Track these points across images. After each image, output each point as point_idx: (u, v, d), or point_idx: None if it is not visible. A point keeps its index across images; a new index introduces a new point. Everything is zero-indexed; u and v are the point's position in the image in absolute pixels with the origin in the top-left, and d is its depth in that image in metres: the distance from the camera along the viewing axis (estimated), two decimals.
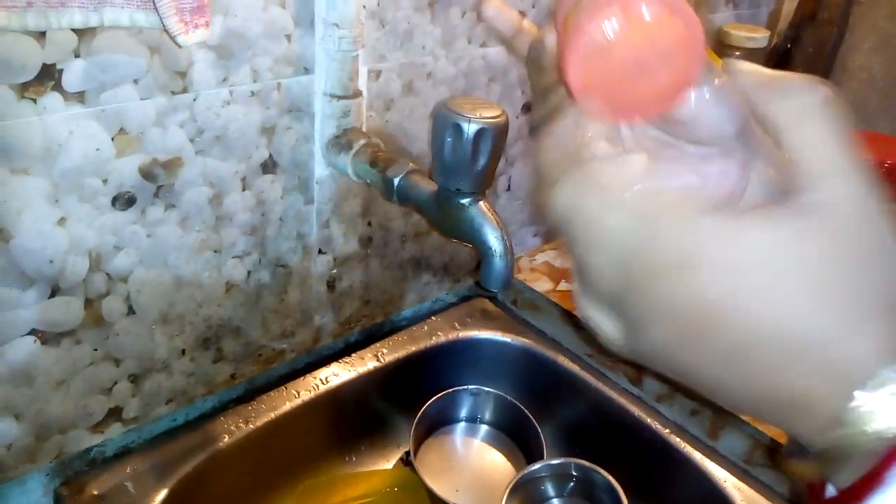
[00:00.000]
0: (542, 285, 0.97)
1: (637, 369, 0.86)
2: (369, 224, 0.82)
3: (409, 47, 0.74)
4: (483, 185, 0.61)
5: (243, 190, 0.69)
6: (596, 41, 0.29)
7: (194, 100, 0.61)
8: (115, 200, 0.60)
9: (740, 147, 0.30)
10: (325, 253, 0.79)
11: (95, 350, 0.65)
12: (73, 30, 0.52)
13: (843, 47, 1.13)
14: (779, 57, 1.13)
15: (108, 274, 0.63)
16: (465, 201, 0.61)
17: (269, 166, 0.70)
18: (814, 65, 1.12)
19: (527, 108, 0.91)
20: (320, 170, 0.74)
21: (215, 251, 0.70)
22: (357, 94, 0.71)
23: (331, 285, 0.82)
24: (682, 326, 0.25)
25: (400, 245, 0.87)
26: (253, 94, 0.65)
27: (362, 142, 0.70)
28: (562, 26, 0.31)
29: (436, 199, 0.63)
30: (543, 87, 0.35)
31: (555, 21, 0.33)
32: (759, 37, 1.03)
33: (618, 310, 0.27)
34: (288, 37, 0.65)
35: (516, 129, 0.91)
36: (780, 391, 0.25)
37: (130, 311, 0.66)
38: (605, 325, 0.28)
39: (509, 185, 0.95)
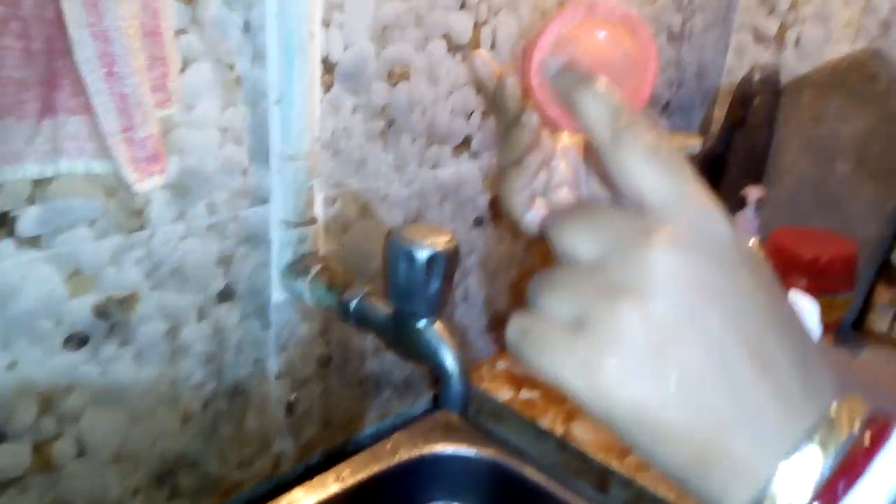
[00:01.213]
0: (504, 393, 0.97)
1: (603, 479, 0.85)
2: (328, 344, 0.82)
3: (363, 173, 0.77)
4: (437, 307, 0.62)
5: (200, 320, 0.69)
6: (554, 53, 0.32)
7: (151, 237, 0.62)
8: (67, 341, 0.60)
9: None
10: (283, 377, 0.79)
11: (43, 497, 0.62)
12: None
13: (773, 149, 1.21)
14: (712, 161, 1.20)
15: (58, 416, 0.61)
16: (420, 324, 0.62)
17: (226, 295, 0.70)
18: (747, 167, 1.18)
19: (478, 221, 0.94)
20: (277, 295, 0.74)
21: (171, 384, 0.69)
22: (313, 220, 0.73)
23: (290, 409, 0.81)
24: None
25: (360, 362, 0.87)
26: (210, 227, 0.67)
27: (318, 267, 0.71)
28: (522, 53, 0.33)
29: (392, 321, 0.64)
30: (507, 124, 0.37)
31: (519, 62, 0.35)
32: (692, 144, 1.10)
33: None
34: (244, 171, 0.68)
35: (470, 242, 0.94)
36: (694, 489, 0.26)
37: (81, 452, 0.64)
38: None
39: (466, 295, 0.97)
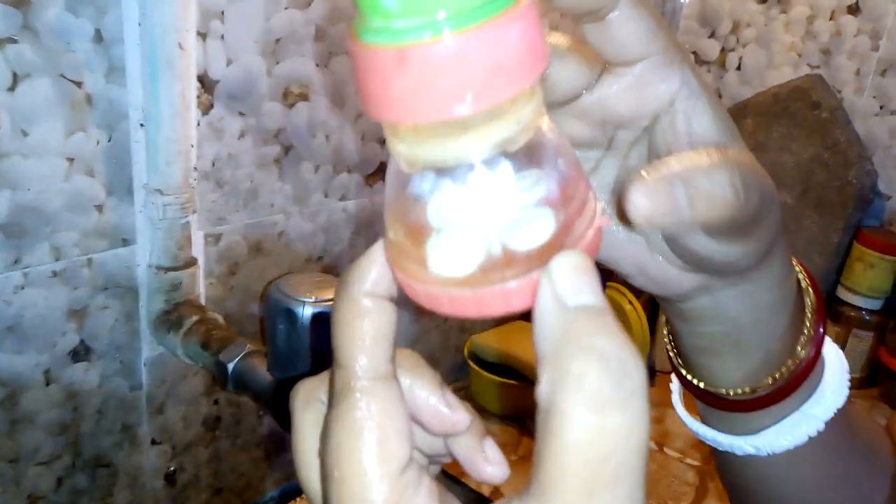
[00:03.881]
0: None
1: None
2: (216, 402, 0.71)
3: (254, 206, 0.67)
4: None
5: (47, 384, 0.58)
6: None
7: None
8: None
9: None
10: (160, 443, 0.67)
11: None
12: None
13: None
14: None
15: None
16: None
17: (80, 353, 0.59)
18: None
19: None
20: (149, 350, 0.63)
21: (11, 461, 0.57)
22: (190, 263, 0.62)
23: (170, 479, 0.69)
24: None
25: (256, 420, 0.76)
26: (55, 274, 0.56)
27: (195, 318, 0.60)
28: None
29: (276, 390, 0.54)
30: None
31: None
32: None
33: None
34: (99, 207, 0.57)
35: None
36: None
37: None
38: None
39: None
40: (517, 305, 0.19)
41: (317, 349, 0.50)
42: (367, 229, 0.79)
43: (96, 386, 0.61)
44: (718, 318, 0.29)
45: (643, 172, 0.21)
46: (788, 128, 1.03)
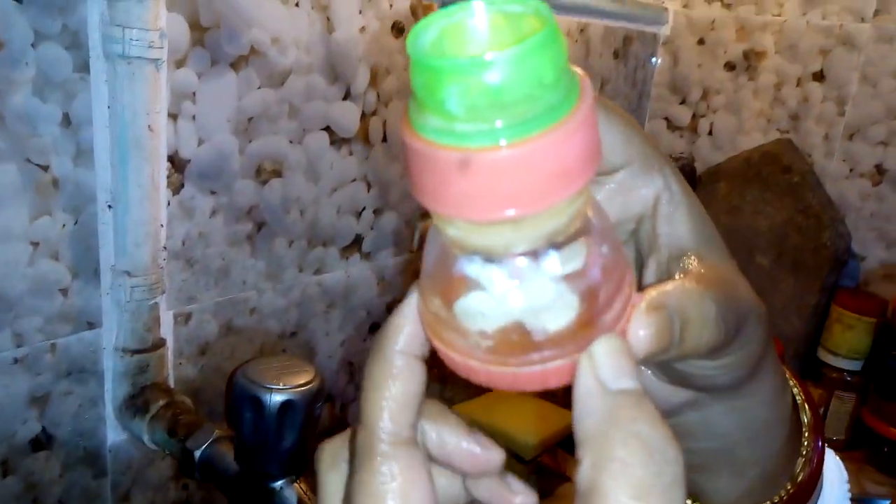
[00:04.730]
0: None
1: None
2: (185, 487, 0.68)
3: (225, 284, 0.66)
4: (296, 465, 0.50)
5: (5, 476, 0.55)
6: None
7: None
8: None
9: None
10: None
11: None
12: None
13: None
14: None
15: None
16: (276, 485, 0.50)
17: (41, 442, 0.57)
18: None
19: (375, 328, 0.83)
20: (114, 435, 0.61)
21: None
22: (158, 345, 0.60)
23: None
24: None
25: None
26: (16, 360, 0.54)
27: (161, 402, 0.59)
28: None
29: (243, 480, 0.52)
30: None
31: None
32: None
33: None
34: (64, 291, 0.55)
35: (365, 354, 0.83)
36: None
37: None
38: None
39: None
40: (554, 384, 0.20)
41: (287, 439, 0.48)
42: (343, 302, 0.78)
43: (58, 475, 0.58)
44: (709, 434, 0.28)
45: (643, 306, 0.21)
46: (761, 191, 1.04)
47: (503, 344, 0.20)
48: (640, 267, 0.27)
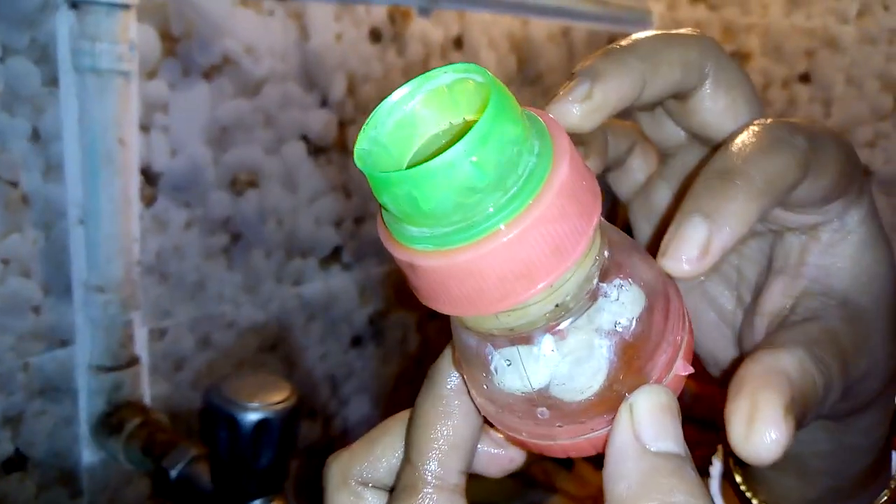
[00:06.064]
0: None
1: None
2: None
3: (201, 299, 0.65)
4: (274, 483, 0.49)
5: None
6: None
7: None
8: None
9: None
10: None
11: None
12: None
13: None
14: None
15: None
16: None
17: (15, 463, 0.56)
18: None
19: (357, 340, 0.82)
20: (89, 455, 0.60)
21: None
22: (133, 362, 0.59)
23: None
24: None
25: None
26: None
27: (137, 421, 0.57)
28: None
29: (219, 500, 0.51)
30: None
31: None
32: None
33: None
34: (36, 308, 0.54)
35: (347, 365, 0.82)
36: None
37: None
38: None
39: (345, 427, 0.84)
40: (600, 449, 0.19)
41: (263, 458, 0.47)
42: (324, 314, 0.77)
43: (32, 496, 0.57)
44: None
45: (781, 406, 0.18)
46: None
47: (524, 412, 0.19)
48: (759, 278, 0.24)
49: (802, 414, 0.19)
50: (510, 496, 0.78)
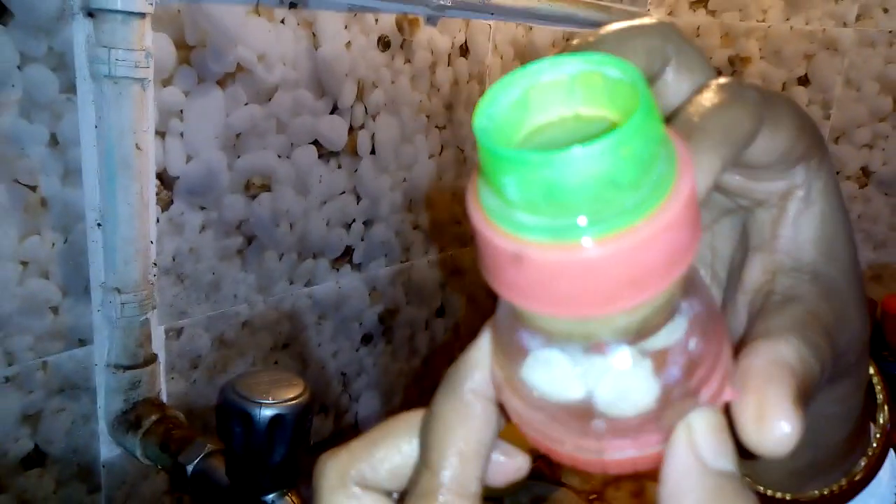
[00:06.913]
0: None
1: None
2: (179, 501, 0.69)
3: (217, 298, 0.67)
4: (288, 477, 0.51)
5: None
6: None
7: None
8: None
9: None
10: None
11: None
12: None
13: None
14: None
15: None
16: (267, 499, 0.50)
17: (34, 459, 0.57)
18: None
19: (367, 338, 0.84)
20: (107, 451, 0.61)
21: None
22: (150, 360, 0.61)
23: None
24: None
25: None
26: (8, 379, 0.54)
27: (154, 418, 0.59)
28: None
29: (235, 494, 0.52)
30: None
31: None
32: None
33: None
34: (54, 309, 0.56)
35: (358, 362, 0.83)
36: None
37: None
38: None
39: (356, 423, 0.85)
40: (644, 467, 0.18)
41: (278, 453, 0.49)
42: (335, 313, 0.79)
43: (51, 492, 0.59)
44: None
45: (791, 399, 0.19)
46: None
47: (575, 424, 0.18)
48: (735, 254, 0.24)
49: (805, 400, 0.20)
50: (515, 489, 0.79)
